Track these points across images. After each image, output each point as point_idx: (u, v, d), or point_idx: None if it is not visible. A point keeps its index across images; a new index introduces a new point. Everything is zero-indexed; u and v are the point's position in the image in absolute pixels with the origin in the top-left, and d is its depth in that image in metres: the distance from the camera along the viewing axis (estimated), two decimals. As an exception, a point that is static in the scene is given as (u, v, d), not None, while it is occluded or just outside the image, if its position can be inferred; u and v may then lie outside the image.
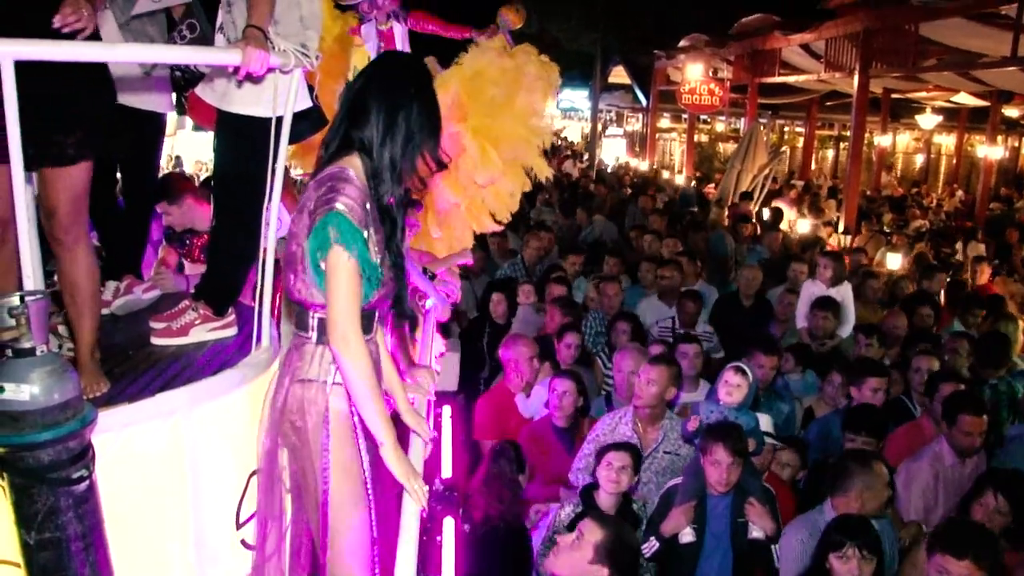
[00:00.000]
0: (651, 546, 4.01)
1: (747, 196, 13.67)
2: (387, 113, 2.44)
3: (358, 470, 2.50)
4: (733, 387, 4.20)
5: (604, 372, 6.00)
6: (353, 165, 2.43)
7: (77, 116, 2.61)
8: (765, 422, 4.44)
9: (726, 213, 13.34)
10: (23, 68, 2.22)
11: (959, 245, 12.39)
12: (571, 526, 3.92)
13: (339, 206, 2.30)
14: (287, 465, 2.61)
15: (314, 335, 2.49)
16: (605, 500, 4.04)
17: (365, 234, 2.35)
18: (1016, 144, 29.61)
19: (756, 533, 3.94)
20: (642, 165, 24.85)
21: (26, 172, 2.37)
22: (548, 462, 4.80)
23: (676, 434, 4.53)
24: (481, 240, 7.73)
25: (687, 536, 3.97)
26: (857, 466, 3.90)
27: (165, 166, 13.41)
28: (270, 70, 2.76)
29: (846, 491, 3.85)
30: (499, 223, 4.65)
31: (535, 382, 5.35)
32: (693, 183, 19.21)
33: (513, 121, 4.12)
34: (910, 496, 4.53)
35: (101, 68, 2.74)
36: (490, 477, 4.34)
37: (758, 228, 11.51)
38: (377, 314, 2.60)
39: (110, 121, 2.81)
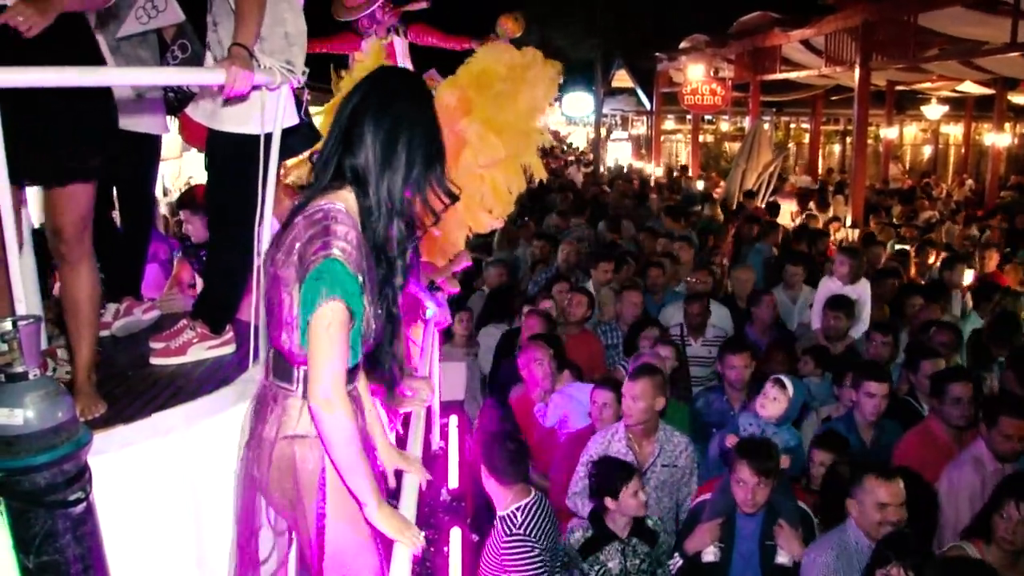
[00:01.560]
0: (675, 562, 3.90)
1: (750, 195, 13.61)
2: (384, 139, 2.19)
3: (361, 521, 2.29)
4: (769, 400, 4.04)
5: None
6: (345, 201, 2.18)
7: (97, 133, 2.66)
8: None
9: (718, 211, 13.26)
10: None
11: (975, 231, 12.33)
12: (583, 551, 3.86)
13: (335, 251, 2.06)
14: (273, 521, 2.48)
15: (299, 388, 2.28)
16: (616, 520, 3.90)
17: (360, 279, 2.11)
18: (1024, 131, 29.49)
19: (782, 559, 3.75)
20: (647, 167, 24.83)
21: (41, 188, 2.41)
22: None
23: (672, 446, 4.42)
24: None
25: (710, 555, 3.83)
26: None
27: (177, 188, 13.55)
28: (256, 88, 2.78)
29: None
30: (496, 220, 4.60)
31: (553, 389, 5.19)
32: (700, 183, 19.18)
33: (516, 116, 4.12)
34: (956, 505, 4.15)
35: (108, 89, 2.78)
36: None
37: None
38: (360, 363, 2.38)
39: (117, 141, 2.85)
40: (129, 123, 3.57)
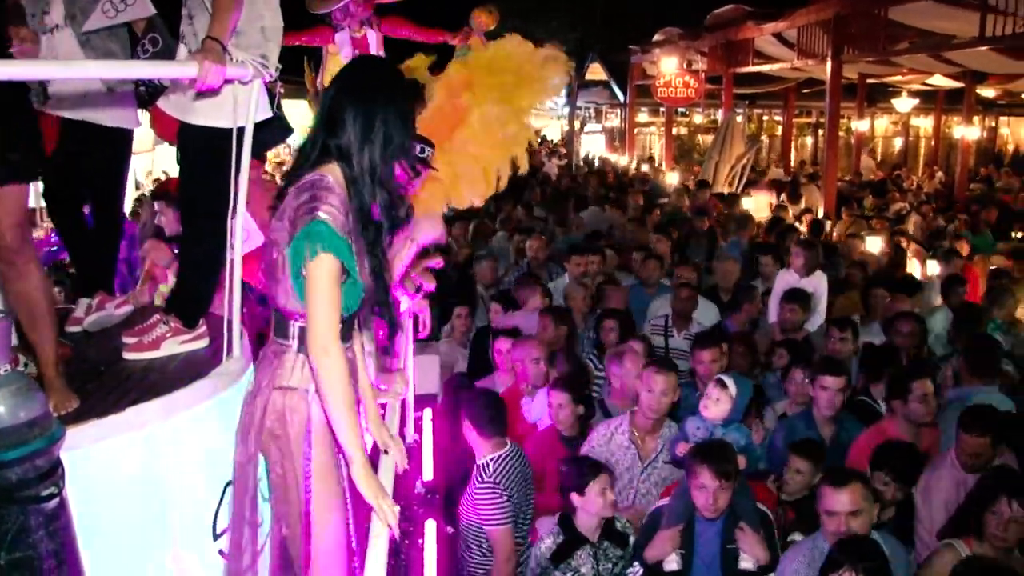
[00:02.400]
0: (636, 571, 3.79)
1: (703, 184, 13.56)
2: (363, 118, 2.42)
3: (337, 477, 2.50)
4: (712, 401, 3.93)
5: (595, 374, 5.84)
6: (332, 172, 2.41)
7: (19, 132, 2.64)
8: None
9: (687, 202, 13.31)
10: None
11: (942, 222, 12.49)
12: (554, 558, 3.79)
13: (322, 214, 2.29)
14: (264, 475, 2.61)
15: (295, 343, 2.48)
16: (585, 522, 3.84)
17: (348, 241, 2.34)
18: (993, 124, 29.88)
19: (745, 563, 3.66)
20: (622, 160, 24.90)
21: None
22: (556, 473, 4.44)
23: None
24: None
25: (672, 563, 3.72)
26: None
27: (149, 182, 13.43)
28: (228, 82, 2.78)
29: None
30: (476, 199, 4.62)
31: (542, 385, 5.17)
32: (666, 176, 19.23)
33: (519, 108, 4.17)
34: (931, 510, 4.16)
35: (24, 89, 2.76)
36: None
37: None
38: (357, 321, 2.60)
39: (35, 138, 2.84)
40: (99, 117, 3.55)
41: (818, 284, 7.02)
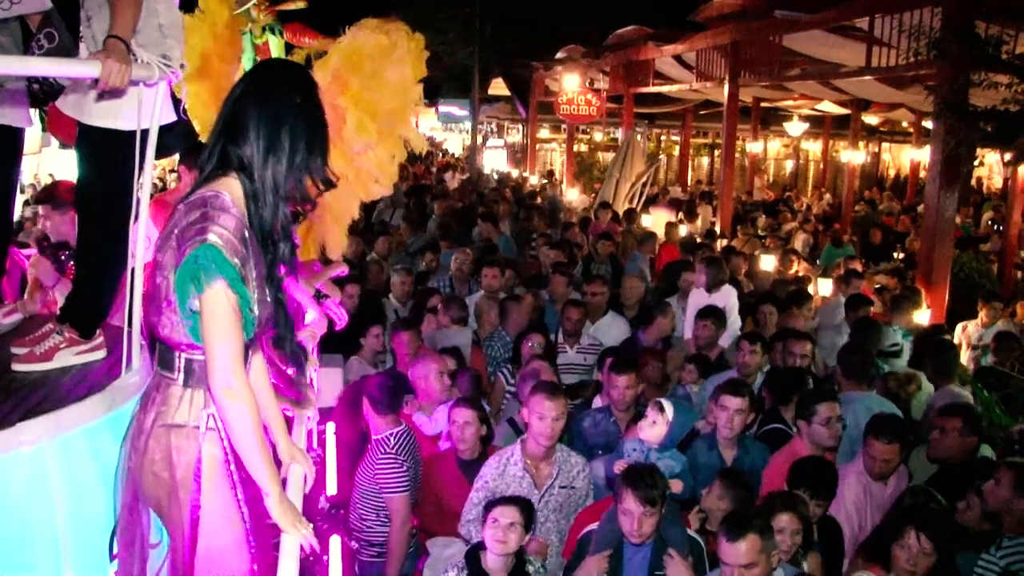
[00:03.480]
0: None
1: (605, 206, 13.65)
2: (268, 128, 2.22)
3: (236, 516, 2.29)
4: (648, 424, 3.89)
5: (507, 388, 5.80)
6: (229, 188, 2.20)
7: None
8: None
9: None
10: None
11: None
12: None
13: (212, 237, 2.08)
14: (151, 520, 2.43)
15: (180, 376, 2.26)
16: (493, 562, 3.61)
17: (242, 270, 2.13)
18: (876, 149, 31.43)
19: None
20: (531, 178, 25.06)
21: None
22: (453, 499, 4.48)
23: (570, 465, 4.27)
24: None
25: None
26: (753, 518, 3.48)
27: (33, 185, 12.84)
28: (133, 83, 2.67)
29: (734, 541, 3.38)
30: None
31: (447, 399, 5.05)
32: (561, 190, 19.46)
33: (388, 93, 4.14)
34: (844, 505, 4.29)
35: None
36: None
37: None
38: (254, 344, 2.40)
39: None
40: (-13, 114, 3.37)
41: (727, 299, 7.20)
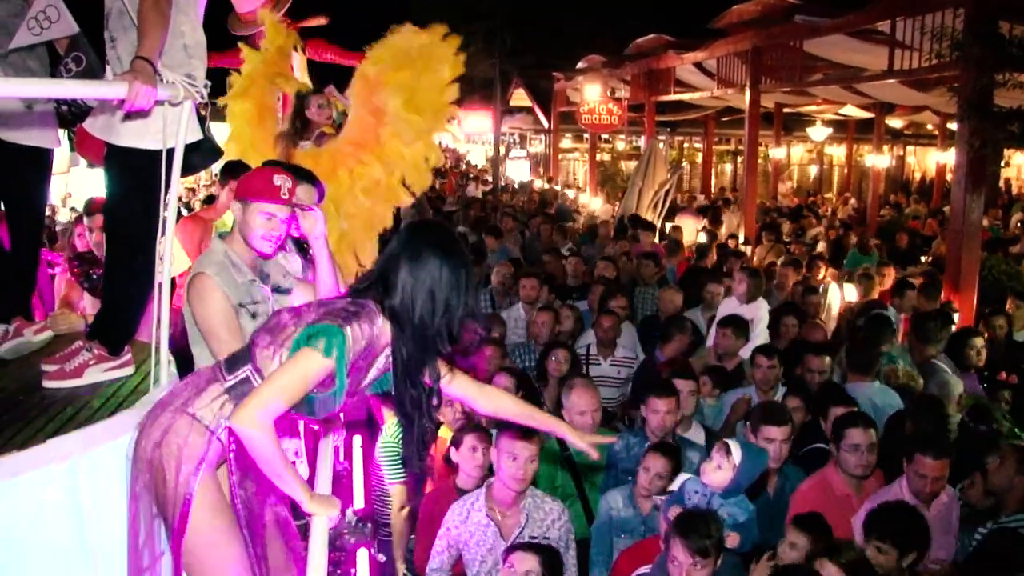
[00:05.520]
0: None
1: (637, 220, 13.27)
2: (413, 290, 2.40)
3: (225, 510, 2.44)
4: (712, 468, 3.43)
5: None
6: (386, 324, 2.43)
7: None
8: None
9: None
10: None
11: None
12: None
13: (348, 331, 2.28)
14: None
15: (231, 383, 2.42)
16: None
17: (348, 360, 2.30)
18: (901, 153, 31.16)
19: None
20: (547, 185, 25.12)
21: None
22: None
23: (543, 513, 3.83)
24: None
25: None
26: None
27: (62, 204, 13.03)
28: (159, 103, 2.71)
29: None
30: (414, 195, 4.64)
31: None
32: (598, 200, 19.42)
33: (429, 95, 4.24)
34: None
35: None
36: None
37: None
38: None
39: None
40: (19, 136, 3.44)
41: (758, 311, 6.96)
